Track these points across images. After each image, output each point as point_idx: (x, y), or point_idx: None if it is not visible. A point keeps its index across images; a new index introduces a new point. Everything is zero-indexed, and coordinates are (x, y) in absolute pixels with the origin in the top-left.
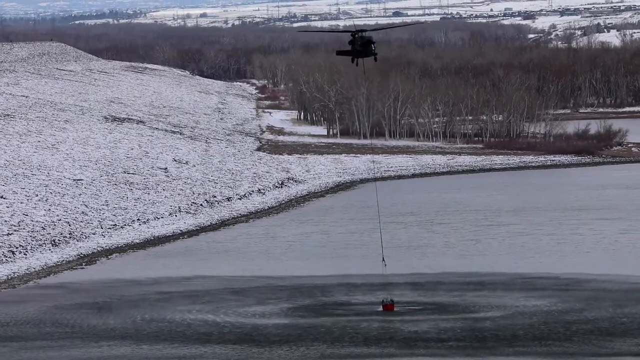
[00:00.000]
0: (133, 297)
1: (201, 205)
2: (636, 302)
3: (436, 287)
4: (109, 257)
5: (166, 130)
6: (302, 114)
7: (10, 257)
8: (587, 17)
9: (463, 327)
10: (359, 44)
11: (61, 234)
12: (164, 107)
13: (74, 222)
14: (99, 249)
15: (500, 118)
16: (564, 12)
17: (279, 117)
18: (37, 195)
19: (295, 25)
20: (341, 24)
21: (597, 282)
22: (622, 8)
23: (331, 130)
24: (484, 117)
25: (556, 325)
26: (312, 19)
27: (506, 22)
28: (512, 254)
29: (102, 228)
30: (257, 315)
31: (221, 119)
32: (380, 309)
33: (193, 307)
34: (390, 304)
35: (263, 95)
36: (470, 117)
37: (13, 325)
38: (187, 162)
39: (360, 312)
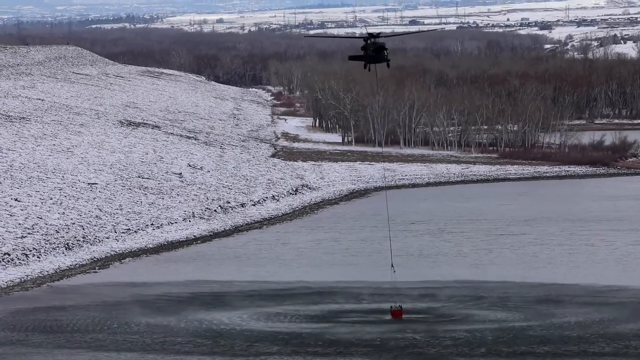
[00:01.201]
0: (141, 301)
1: (215, 211)
2: None
3: (447, 296)
4: (122, 261)
5: (181, 136)
6: (317, 121)
7: (23, 260)
8: (603, 28)
9: (471, 337)
10: (372, 49)
11: (75, 237)
12: (179, 112)
13: (88, 226)
14: (112, 253)
15: (515, 128)
16: (580, 22)
17: (294, 124)
18: (51, 199)
19: (311, 32)
20: (357, 31)
21: (611, 293)
22: (639, 20)
23: (346, 137)
24: (499, 127)
25: (571, 336)
26: (329, 26)
27: (523, 32)
28: (524, 264)
29: (115, 232)
30: (263, 320)
31: (236, 125)
32: (389, 316)
33: (199, 311)
34: (398, 310)
35: (278, 102)
36: (486, 127)
37: (20, 329)
38: (201, 168)
39: (368, 320)
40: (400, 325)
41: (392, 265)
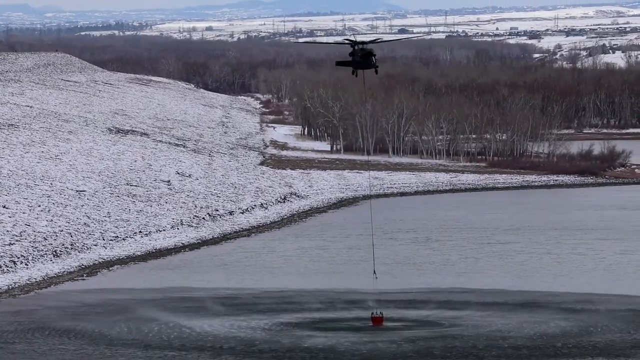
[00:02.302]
0: (122, 308)
1: (203, 218)
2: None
3: (431, 304)
4: (110, 268)
5: (170, 143)
6: (306, 129)
7: (11, 267)
8: (592, 38)
9: (454, 346)
10: (359, 55)
11: (63, 244)
12: (168, 119)
13: (76, 233)
14: (100, 260)
15: (504, 137)
16: (569, 32)
17: (282, 132)
18: (39, 206)
19: (301, 40)
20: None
21: (597, 302)
22: (627, 30)
23: (335, 145)
24: (488, 136)
25: (553, 344)
26: (318, 34)
27: (512, 41)
28: (511, 272)
29: (104, 240)
30: (244, 328)
31: (225, 132)
32: (370, 322)
33: (182, 318)
34: (379, 317)
35: (267, 110)
36: (474, 136)
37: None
38: (190, 175)
39: (349, 327)
40: (382, 332)
41: (374, 272)
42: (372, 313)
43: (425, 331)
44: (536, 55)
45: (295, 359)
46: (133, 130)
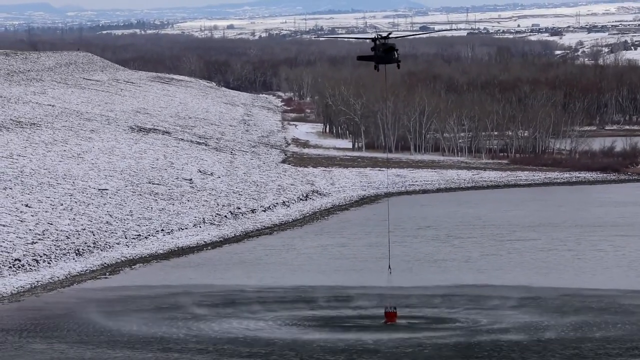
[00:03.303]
0: (143, 306)
1: (225, 216)
2: None
3: (451, 302)
4: (133, 267)
5: (191, 141)
6: (328, 126)
7: (34, 266)
8: (614, 34)
9: (474, 342)
10: (381, 50)
11: (85, 243)
12: (190, 118)
13: (98, 231)
14: (122, 259)
15: (525, 134)
16: (591, 29)
17: (304, 130)
18: (62, 205)
19: (322, 38)
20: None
21: (620, 298)
22: None
23: (356, 143)
24: (510, 133)
25: (577, 341)
26: (339, 32)
27: (533, 38)
28: (532, 269)
29: (126, 238)
30: (253, 328)
31: (247, 130)
32: (383, 317)
33: (200, 316)
34: (392, 311)
35: (289, 108)
36: (496, 133)
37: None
38: (212, 174)
39: (364, 325)
40: (400, 329)
41: (389, 267)
42: (386, 308)
43: (444, 328)
44: (558, 52)
45: (309, 356)
46: (155, 129)
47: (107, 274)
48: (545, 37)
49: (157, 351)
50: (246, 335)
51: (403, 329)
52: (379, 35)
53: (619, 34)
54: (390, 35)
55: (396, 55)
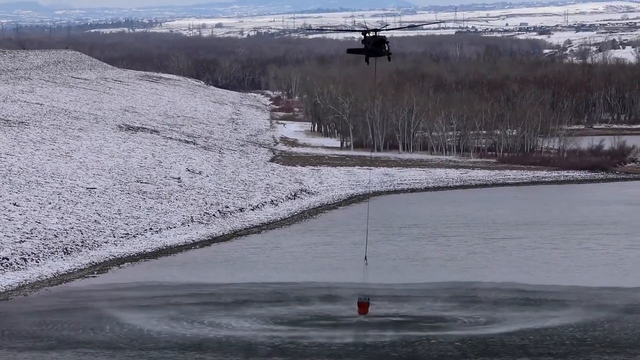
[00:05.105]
0: (128, 304)
1: (213, 215)
2: None
3: (434, 299)
4: (121, 265)
5: (180, 140)
6: (316, 125)
7: (22, 265)
8: (602, 33)
9: (457, 340)
10: (371, 42)
11: (73, 242)
12: (178, 116)
13: (87, 230)
14: (110, 257)
15: (514, 133)
16: (579, 27)
17: (292, 129)
18: (50, 203)
19: (310, 37)
20: (356, 36)
21: (605, 296)
22: (637, 24)
23: (345, 142)
24: (498, 132)
25: (561, 339)
26: (328, 30)
27: (521, 36)
28: (518, 267)
29: (114, 237)
30: (232, 326)
31: (235, 129)
32: (356, 307)
33: (177, 315)
34: (365, 302)
35: (277, 107)
36: (484, 132)
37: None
38: (200, 172)
39: (345, 323)
40: (380, 326)
41: (365, 258)
42: (359, 298)
43: (427, 326)
44: (546, 51)
45: (290, 353)
46: (143, 128)
47: (95, 272)
48: (533, 36)
49: (136, 349)
50: (228, 334)
51: (383, 325)
52: (366, 27)
53: (607, 32)
54: (379, 29)
55: (387, 48)
